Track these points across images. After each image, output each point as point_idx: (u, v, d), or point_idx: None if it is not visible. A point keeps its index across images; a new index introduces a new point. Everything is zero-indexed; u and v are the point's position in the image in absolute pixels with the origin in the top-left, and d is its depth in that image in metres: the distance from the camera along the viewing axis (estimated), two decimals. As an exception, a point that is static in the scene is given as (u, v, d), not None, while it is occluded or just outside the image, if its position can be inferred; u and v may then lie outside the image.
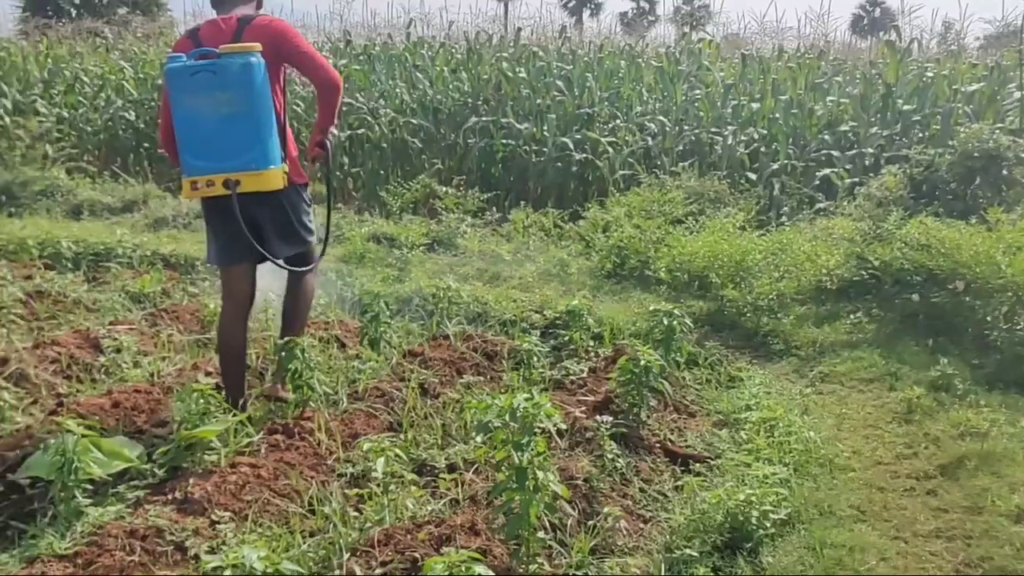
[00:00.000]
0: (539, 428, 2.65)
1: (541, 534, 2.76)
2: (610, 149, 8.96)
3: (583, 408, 3.91)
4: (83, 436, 2.92)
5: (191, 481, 3.07)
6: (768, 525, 3.04)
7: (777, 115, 8.93)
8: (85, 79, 11.56)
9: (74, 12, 22.00)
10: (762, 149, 8.75)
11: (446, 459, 3.51)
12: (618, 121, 9.38)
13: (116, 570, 2.55)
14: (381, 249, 6.97)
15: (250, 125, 3.43)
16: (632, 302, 5.80)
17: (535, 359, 4.55)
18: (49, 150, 9.51)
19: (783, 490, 3.26)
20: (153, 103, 10.66)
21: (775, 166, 8.44)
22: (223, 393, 3.73)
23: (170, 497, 3.01)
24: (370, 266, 6.54)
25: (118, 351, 4.38)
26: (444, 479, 3.30)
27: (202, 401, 3.41)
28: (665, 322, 4.29)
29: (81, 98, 11.24)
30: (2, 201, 8.43)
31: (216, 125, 3.39)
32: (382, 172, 9.83)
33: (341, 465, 3.43)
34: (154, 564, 2.63)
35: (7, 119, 10.32)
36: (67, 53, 12.73)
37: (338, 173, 9.83)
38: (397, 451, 3.08)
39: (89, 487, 2.95)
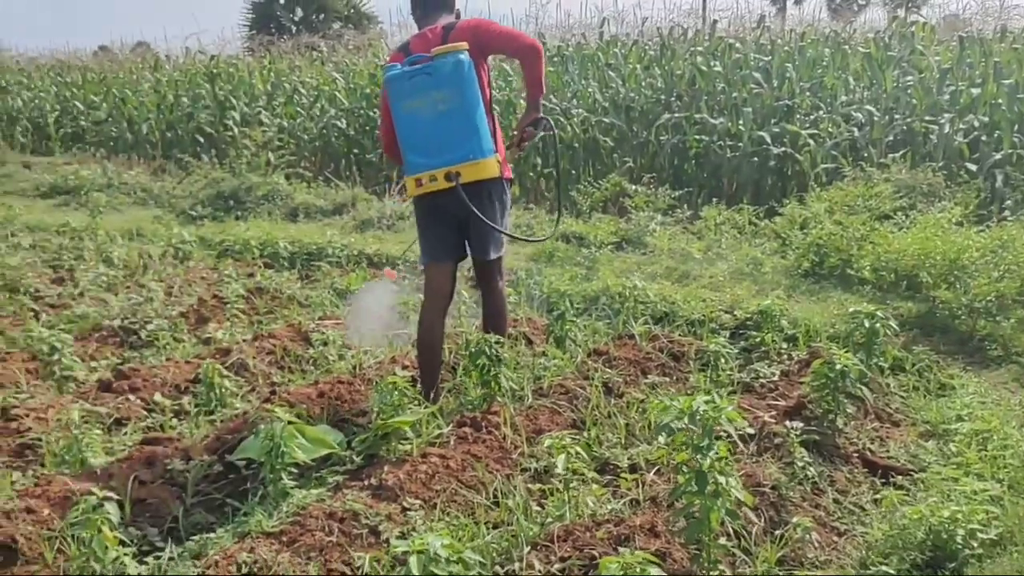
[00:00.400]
0: (721, 432, 2.59)
1: (723, 540, 2.69)
2: (811, 142, 8.55)
3: (773, 413, 3.76)
4: (290, 423, 3.16)
5: (385, 469, 3.25)
6: (975, 545, 2.80)
7: (1000, 101, 8.15)
8: (302, 91, 12.47)
9: (294, 29, 23.81)
10: (983, 138, 8.03)
11: (628, 459, 3.50)
12: (820, 112, 8.92)
13: (316, 549, 2.75)
14: (570, 248, 7.03)
15: (464, 119, 3.64)
16: (831, 303, 5.50)
17: (723, 361, 4.43)
18: (271, 157, 10.34)
19: (994, 508, 2.99)
20: (362, 111, 11.33)
21: (998, 156, 7.72)
22: (418, 385, 3.93)
23: (366, 483, 3.20)
24: (559, 265, 6.62)
25: (325, 344, 4.70)
26: (625, 479, 3.29)
27: (397, 393, 3.59)
28: (867, 324, 4.04)
29: (299, 108, 12.15)
30: (230, 205, 9.29)
31: (434, 123, 3.62)
32: (573, 171, 9.92)
33: (525, 460, 3.50)
34: (350, 545, 2.80)
35: (235, 129, 11.36)
36: (287, 67, 13.79)
37: (530, 173, 10.02)
38: (579, 449, 3.10)
39: (295, 470, 3.20)
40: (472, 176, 3.67)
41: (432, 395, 3.92)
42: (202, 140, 12.44)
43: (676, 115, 9.34)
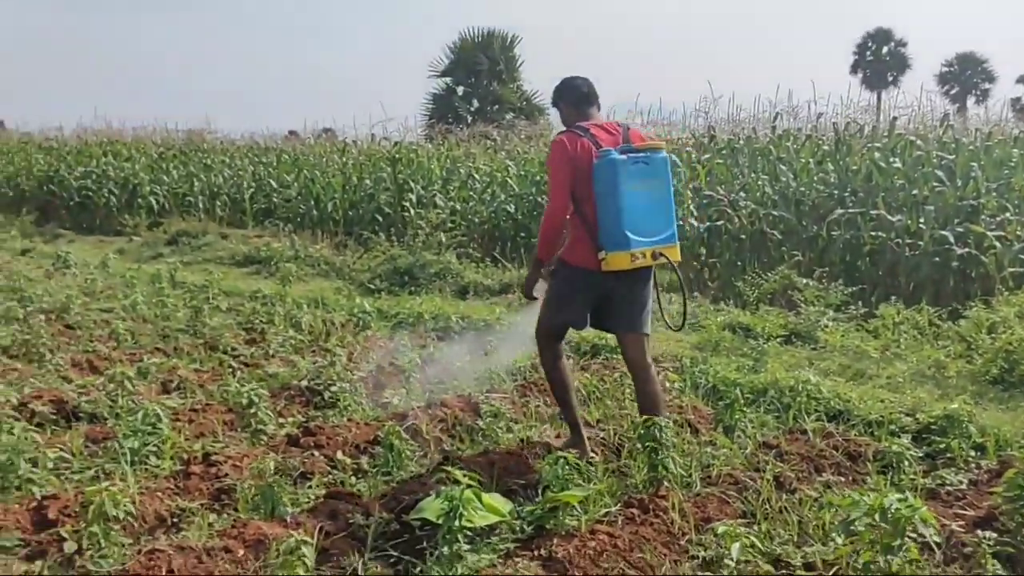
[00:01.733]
0: (912, 535, 2.49)
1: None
2: (997, 244, 8.13)
3: (961, 522, 3.55)
4: (468, 487, 3.29)
5: (554, 541, 3.30)
6: None
7: None
8: (476, 176, 13.08)
9: (470, 119, 25.09)
10: None
11: (802, 557, 3.39)
12: (1008, 214, 8.49)
13: (488, 612, 2.82)
14: (736, 338, 6.94)
15: (668, 207, 4.22)
16: (1022, 412, 5.15)
17: (906, 464, 4.22)
18: (443, 237, 10.85)
19: None
20: (531, 197, 11.74)
21: None
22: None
23: (535, 554, 3.26)
24: (724, 354, 6.54)
25: (494, 416, 4.84)
26: (800, 577, 3.19)
27: (567, 468, 3.66)
28: (1066, 437, 3.77)
29: (471, 192, 12.73)
30: (405, 280, 9.79)
31: (648, 206, 4.12)
32: (739, 263, 9.83)
33: (693, 547, 3.45)
34: (520, 612, 2.86)
35: (412, 210, 12.03)
36: (463, 154, 14.53)
37: (694, 263, 10.02)
38: (753, 539, 3.04)
39: (469, 534, 3.30)
40: (673, 257, 4.20)
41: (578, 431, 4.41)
42: (381, 219, 13.20)
43: (850, 210, 9.12)
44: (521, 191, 12.09)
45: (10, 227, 15.11)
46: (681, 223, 10.21)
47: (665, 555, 3.36)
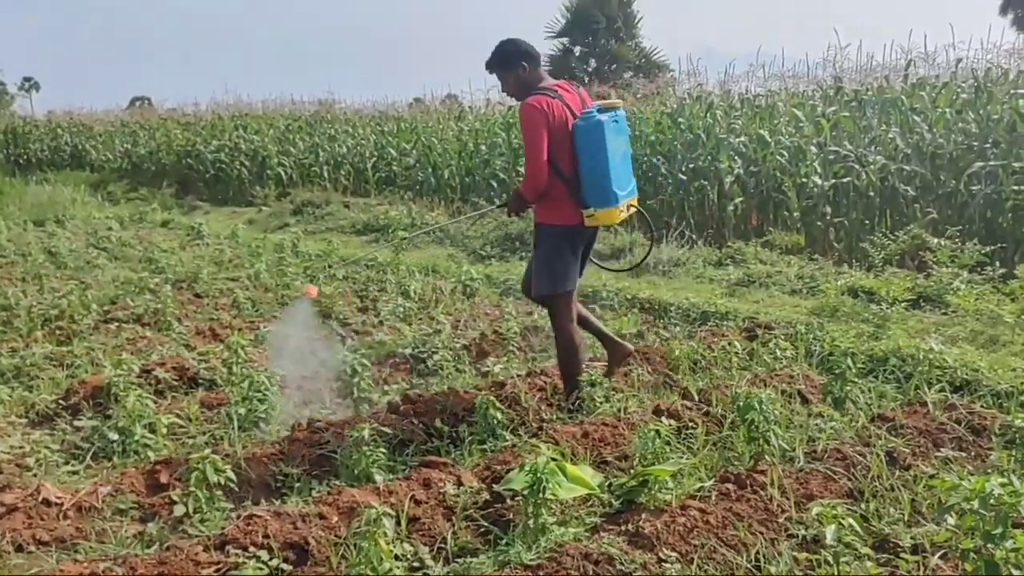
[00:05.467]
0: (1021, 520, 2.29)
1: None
2: None
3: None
4: (552, 459, 3.25)
5: (643, 516, 3.23)
6: None
7: None
8: (590, 138, 12.87)
9: (587, 79, 24.73)
10: None
11: (911, 538, 3.18)
12: None
13: (569, 587, 2.79)
14: (857, 304, 6.59)
15: (630, 161, 4.55)
16: None
17: (1034, 439, 3.90)
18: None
19: None
20: (646, 158, 11.48)
21: None
22: (567, 386, 4.64)
23: (623, 528, 3.20)
24: (843, 320, 6.22)
25: (592, 385, 4.78)
26: (906, 560, 2.99)
27: (660, 441, 3.57)
28: None
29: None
30: (516, 246, 9.81)
31: (622, 161, 4.41)
32: (867, 222, 9.31)
33: (793, 525, 3.30)
34: (602, 588, 2.81)
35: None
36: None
37: (819, 223, 9.56)
38: (852, 521, 2.88)
39: (554, 507, 3.27)
40: (637, 206, 4.60)
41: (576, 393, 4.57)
42: (495, 185, 13.25)
43: (991, 163, 8.45)
44: (636, 152, 11.82)
45: (152, 200, 16.04)
46: (805, 180, 9.76)
47: (762, 533, 3.23)
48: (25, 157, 25.03)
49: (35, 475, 3.88)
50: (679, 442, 3.92)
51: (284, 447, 4.10)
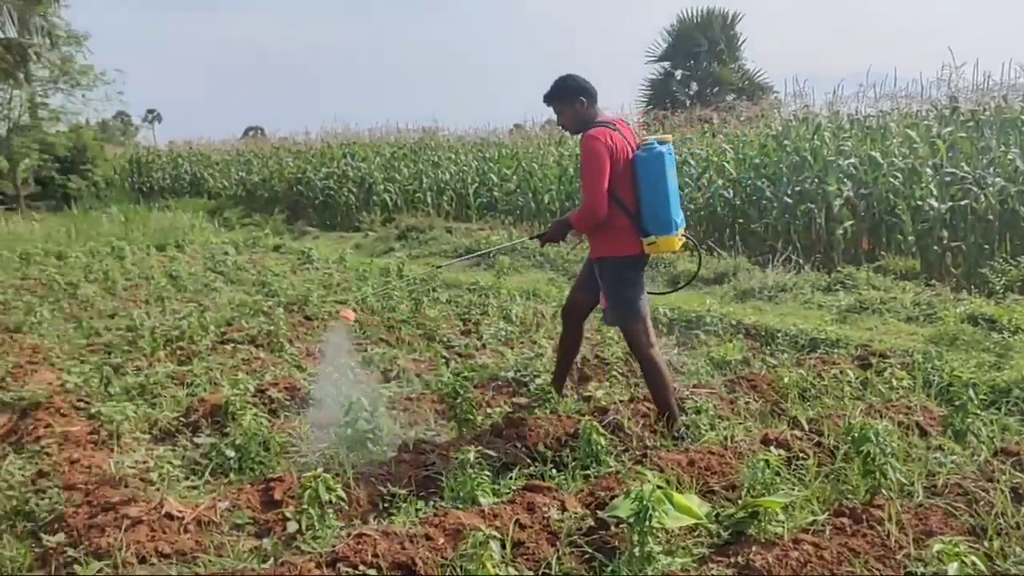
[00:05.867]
0: None
1: None
2: None
3: None
4: (658, 487, 3.21)
5: (753, 549, 3.15)
6: None
7: None
8: (691, 161, 12.76)
9: (688, 102, 24.51)
10: None
11: (1041, 581, 3.01)
12: None
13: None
14: (978, 332, 6.28)
15: (678, 194, 4.55)
16: None
17: None
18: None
19: None
20: (750, 182, 11.28)
21: None
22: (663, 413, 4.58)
23: (732, 560, 3.13)
24: (963, 349, 5.94)
25: (698, 412, 4.71)
26: (1037, 604, 2.83)
27: (770, 471, 3.48)
28: None
29: (686, 179, 12.42)
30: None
31: (676, 193, 4.50)
32: (986, 247, 8.88)
33: (912, 563, 3.16)
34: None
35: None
36: (678, 139, 14.22)
37: (935, 247, 9.17)
38: (975, 559, 2.74)
39: (660, 535, 3.23)
40: (687, 236, 4.72)
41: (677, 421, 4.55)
42: (595, 209, 13.22)
43: (1126, 183, 7.96)
44: (739, 176, 11.64)
45: (264, 226, 16.71)
46: (920, 203, 9.40)
47: (878, 570, 3.11)
48: (148, 185, 26.56)
49: (158, 489, 4.07)
50: (789, 473, 3.82)
51: (391, 467, 4.18)
